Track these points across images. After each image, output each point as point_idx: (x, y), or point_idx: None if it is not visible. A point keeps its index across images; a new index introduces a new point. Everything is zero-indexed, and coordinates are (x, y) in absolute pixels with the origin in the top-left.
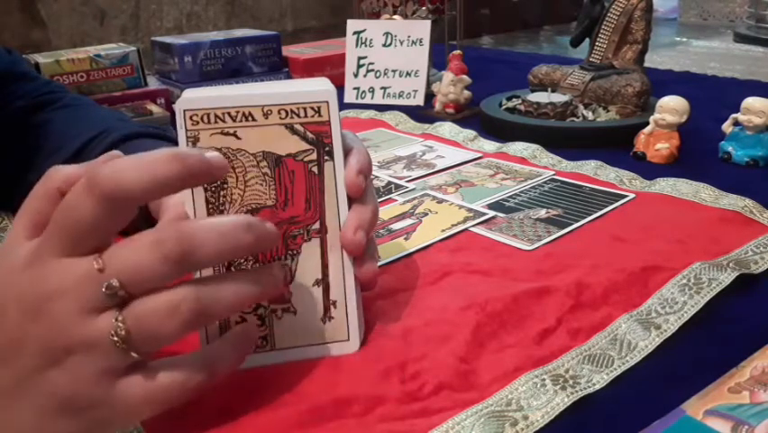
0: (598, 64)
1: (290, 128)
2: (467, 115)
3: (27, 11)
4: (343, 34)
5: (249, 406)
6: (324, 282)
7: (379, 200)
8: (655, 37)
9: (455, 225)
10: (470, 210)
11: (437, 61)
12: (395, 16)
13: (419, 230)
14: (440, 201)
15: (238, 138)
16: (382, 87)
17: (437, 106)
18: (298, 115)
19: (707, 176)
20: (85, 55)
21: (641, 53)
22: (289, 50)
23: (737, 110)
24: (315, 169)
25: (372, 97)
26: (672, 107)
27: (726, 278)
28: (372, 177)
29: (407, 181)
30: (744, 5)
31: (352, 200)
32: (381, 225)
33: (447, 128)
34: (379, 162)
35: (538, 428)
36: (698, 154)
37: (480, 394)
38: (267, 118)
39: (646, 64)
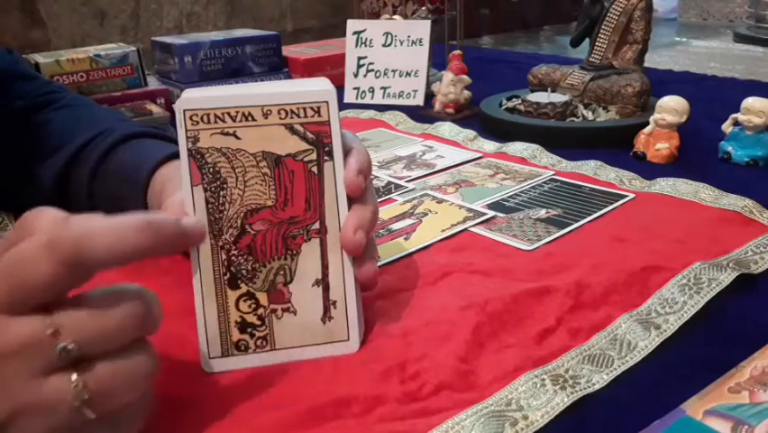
0: (598, 64)
1: (290, 128)
2: (467, 115)
3: (27, 11)
4: (343, 34)
5: (249, 406)
6: (323, 282)
7: (379, 200)
8: (655, 37)
9: (455, 225)
10: (470, 210)
11: (437, 61)
12: (395, 16)
13: (419, 230)
14: (440, 201)
15: (238, 138)
16: (382, 87)
17: (437, 106)
18: (298, 115)
19: (707, 176)
20: (85, 55)
21: (641, 53)
22: (289, 50)
23: (737, 110)
24: (314, 169)
25: (372, 97)
26: (671, 107)
27: (726, 278)
28: (372, 177)
29: (407, 181)
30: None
31: (351, 200)
32: (381, 225)
33: (447, 128)
34: (379, 162)
35: (538, 428)
36: (698, 154)
37: (479, 394)
38: (267, 118)
39: (646, 64)
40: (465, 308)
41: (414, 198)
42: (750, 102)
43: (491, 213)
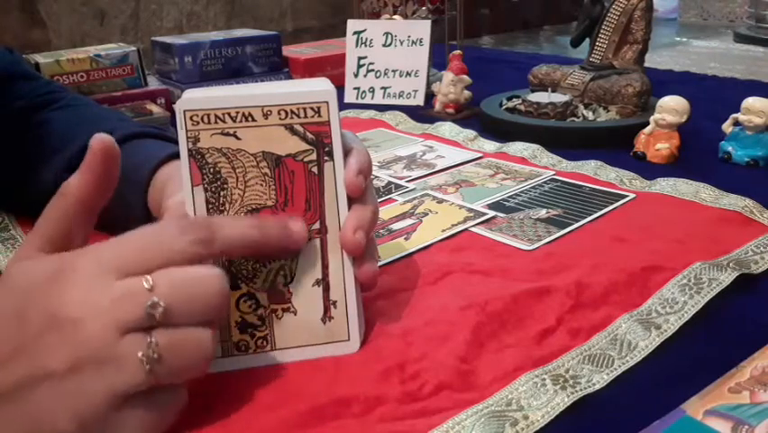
0: (598, 64)
1: (290, 128)
2: (467, 115)
3: (27, 11)
4: (343, 34)
5: (249, 406)
6: (324, 282)
7: (379, 200)
8: (655, 37)
9: (455, 225)
10: (470, 210)
11: (437, 61)
12: (395, 16)
13: (419, 230)
14: (440, 201)
15: (238, 138)
16: (382, 87)
17: (437, 106)
18: (298, 116)
19: (707, 176)
20: (85, 55)
21: (641, 53)
22: (289, 50)
23: (737, 110)
24: (314, 169)
25: (372, 97)
26: (671, 107)
27: (726, 278)
28: (372, 177)
29: (407, 181)
30: (744, 5)
31: (351, 200)
32: (381, 225)
33: (447, 128)
34: (379, 162)
35: (538, 428)
36: (698, 154)
37: (480, 394)
38: (267, 119)
39: (646, 64)
40: (465, 308)
41: (414, 198)
42: (750, 102)
43: (491, 213)
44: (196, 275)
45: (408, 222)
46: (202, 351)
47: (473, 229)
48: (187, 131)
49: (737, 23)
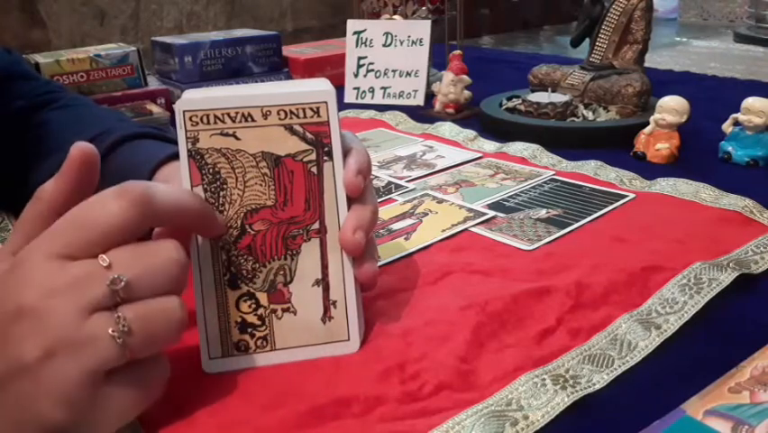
0: (598, 64)
1: (289, 129)
2: (467, 115)
3: (27, 11)
4: (343, 34)
5: (249, 406)
6: (323, 282)
7: (379, 200)
8: (655, 37)
9: (455, 225)
10: (470, 210)
11: (437, 61)
12: (395, 16)
13: (419, 230)
14: (440, 201)
15: (237, 139)
16: (382, 87)
17: (437, 106)
18: (297, 116)
19: (707, 176)
20: (85, 55)
21: (641, 53)
22: (289, 50)
23: (737, 110)
24: (314, 169)
25: (372, 97)
26: (671, 107)
27: (726, 278)
28: (372, 177)
29: (407, 181)
30: (744, 5)
31: (351, 200)
32: (381, 225)
33: (447, 128)
34: (379, 162)
35: (538, 428)
36: (698, 154)
37: (480, 394)
38: (266, 119)
39: (646, 64)
40: (465, 308)
41: (414, 198)
42: (750, 102)
43: (491, 213)
44: (151, 247)
45: (408, 222)
46: (172, 318)
47: (473, 229)
48: (186, 131)
49: (737, 23)
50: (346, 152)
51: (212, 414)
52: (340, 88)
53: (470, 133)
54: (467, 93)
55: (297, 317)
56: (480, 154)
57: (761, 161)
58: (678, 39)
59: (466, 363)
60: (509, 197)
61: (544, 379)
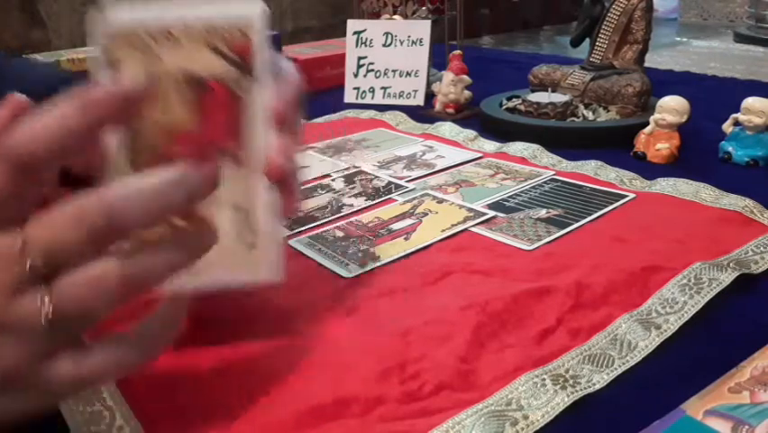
0: (598, 64)
1: (214, 49)
2: (467, 115)
3: (27, 11)
4: (343, 34)
5: (249, 406)
6: (244, 209)
7: (379, 200)
8: (655, 37)
9: (455, 225)
10: (470, 210)
11: (437, 61)
12: (395, 16)
13: (419, 230)
14: (440, 201)
15: (159, 59)
16: (382, 87)
17: (437, 106)
18: (223, 36)
19: (707, 176)
20: (85, 55)
21: (641, 53)
22: (289, 50)
23: (737, 110)
24: (238, 92)
25: (372, 97)
26: (672, 107)
27: (727, 278)
28: (301, 108)
29: (407, 181)
30: (744, 5)
31: (276, 127)
32: (381, 224)
33: (447, 128)
34: (379, 162)
35: (538, 428)
36: (698, 154)
37: (480, 394)
38: (189, 38)
39: (646, 64)
40: (465, 308)
41: (414, 198)
42: (750, 102)
43: (491, 213)
44: (62, 209)
45: (408, 222)
46: (104, 285)
47: (473, 229)
48: (104, 51)
49: (737, 23)
50: (275, 77)
51: (212, 414)
52: (340, 88)
53: (471, 133)
54: (467, 93)
55: (217, 244)
56: (480, 154)
57: (761, 161)
58: (678, 39)
59: (466, 363)
60: (509, 197)
61: (543, 379)
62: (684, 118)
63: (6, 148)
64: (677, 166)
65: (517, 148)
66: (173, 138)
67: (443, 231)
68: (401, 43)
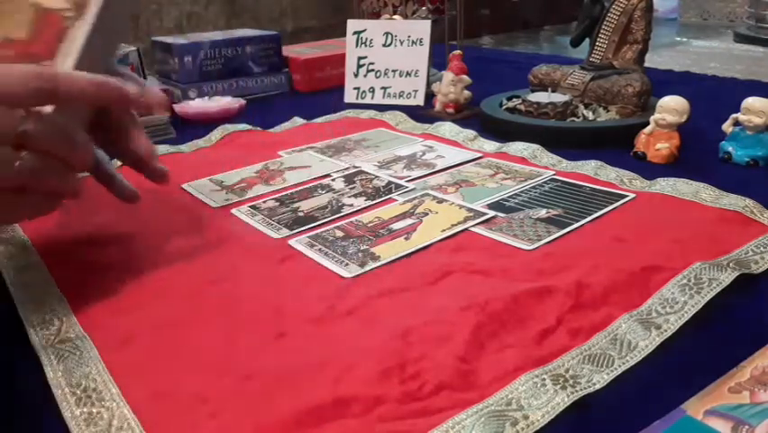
0: (598, 64)
1: None
2: (467, 115)
3: None
4: (343, 34)
5: (249, 406)
6: None
7: (380, 200)
8: (655, 37)
9: (455, 225)
10: (470, 210)
11: (437, 61)
12: (395, 16)
13: (419, 230)
14: (440, 201)
15: None
16: (382, 87)
17: (437, 106)
18: None
19: (707, 176)
20: None
21: (641, 53)
22: (289, 50)
23: (737, 110)
24: (66, 23)
25: (372, 97)
26: (672, 107)
27: (727, 278)
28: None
29: (407, 181)
30: (744, 5)
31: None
32: (381, 224)
33: (447, 128)
34: (379, 162)
35: (538, 428)
36: (698, 154)
37: (480, 394)
38: None
39: (646, 64)
40: (465, 308)
41: (414, 198)
42: (750, 102)
43: (491, 213)
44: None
45: (408, 222)
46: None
47: (473, 229)
48: None
49: (737, 23)
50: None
51: (211, 414)
52: (340, 88)
53: (470, 133)
54: (467, 93)
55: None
56: (480, 154)
57: (761, 161)
58: (678, 39)
59: (466, 363)
60: (509, 197)
61: (543, 379)
62: (684, 118)
63: (57, 83)
64: (677, 166)
65: (517, 148)
66: (9, 43)
67: (444, 231)
68: (401, 43)
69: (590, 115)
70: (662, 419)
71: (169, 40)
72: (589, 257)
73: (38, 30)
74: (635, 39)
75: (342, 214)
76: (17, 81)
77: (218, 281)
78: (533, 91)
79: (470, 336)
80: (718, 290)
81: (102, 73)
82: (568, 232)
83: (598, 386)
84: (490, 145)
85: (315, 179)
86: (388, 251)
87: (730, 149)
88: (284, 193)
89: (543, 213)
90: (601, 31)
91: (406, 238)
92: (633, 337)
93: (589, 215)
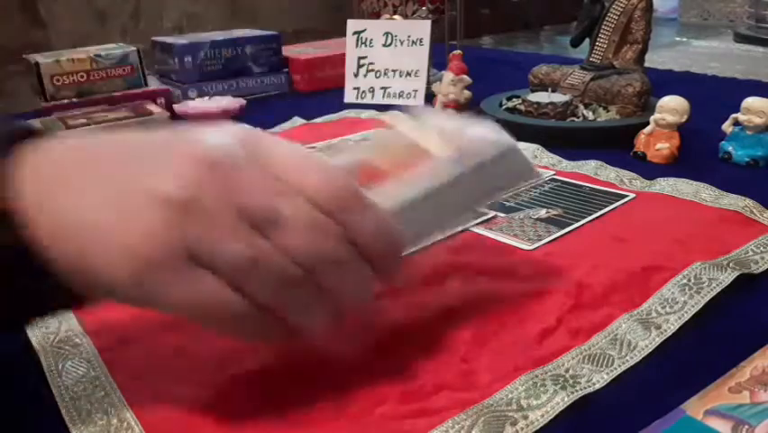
0: (598, 64)
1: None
2: (467, 115)
3: (27, 11)
4: (343, 34)
5: (249, 406)
6: None
7: None
8: (655, 37)
9: None
10: None
11: (437, 61)
12: (395, 16)
13: None
14: None
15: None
16: (382, 87)
17: (437, 106)
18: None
19: (707, 176)
20: (85, 55)
21: (641, 53)
22: (289, 50)
23: (737, 110)
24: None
25: (372, 97)
26: (672, 107)
27: (727, 278)
28: None
29: None
30: (744, 5)
31: None
32: None
33: None
34: None
35: (538, 428)
36: (698, 154)
37: (479, 394)
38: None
39: (646, 64)
40: (465, 308)
41: None
42: (750, 102)
43: (492, 213)
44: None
45: None
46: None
47: (473, 229)
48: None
49: (737, 23)
50: None
51: (211, 415)
52: (340, 89)
53: None
54: (467, 93)
55: None
56: None
57: (761, 161)
58: (678, 39)
59: (466, 363)
60: (509, 196)
61: (543, 379)
62: (684, 118)
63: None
64: (677, 166)
65: None
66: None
67: None
68: (401, 43)
69: (590, 115)
70: (662, 418)
71: (169, 40)
72: (589, 257)
73: (401, 163)
74: (635, 39)
75: None
76: (330, 175)
77: None
78: (533, 91)
79: (470, 336)
80: (718, 290)
81: (425, 237)
82: (568, 232)
83: (597, 386)
84: None
85: None
86: None
87: (730, 149)
88: None
89: (543, 213)
90: (601, 31)
91: None
92: (633, 337)
93: (589, 215)
